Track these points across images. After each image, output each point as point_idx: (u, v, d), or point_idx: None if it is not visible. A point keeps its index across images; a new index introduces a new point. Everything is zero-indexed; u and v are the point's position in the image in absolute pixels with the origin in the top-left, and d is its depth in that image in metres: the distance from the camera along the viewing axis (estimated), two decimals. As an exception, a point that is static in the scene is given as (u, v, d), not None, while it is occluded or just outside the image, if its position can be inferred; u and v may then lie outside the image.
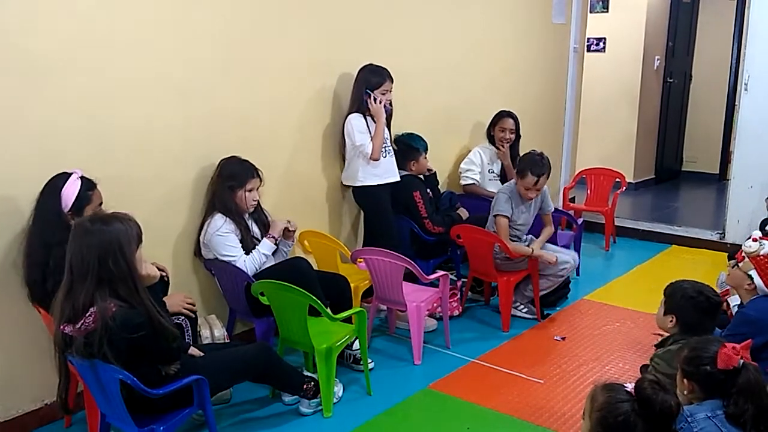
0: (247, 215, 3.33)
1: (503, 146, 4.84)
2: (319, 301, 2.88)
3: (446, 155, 4.94)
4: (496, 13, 5.18)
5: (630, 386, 1.81)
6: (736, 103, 5.32)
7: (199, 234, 3.30)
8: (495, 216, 3.91)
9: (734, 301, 3.04)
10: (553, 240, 4.26)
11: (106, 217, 2.25)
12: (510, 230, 3.93)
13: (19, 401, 2.83)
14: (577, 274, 4.78)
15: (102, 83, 2.90)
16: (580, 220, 4.94)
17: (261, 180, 3.31)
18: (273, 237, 3.33)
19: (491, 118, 4.91)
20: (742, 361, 1.98)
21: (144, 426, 2.31)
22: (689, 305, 2.56)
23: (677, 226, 5.85)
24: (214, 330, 3.18)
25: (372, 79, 3.83)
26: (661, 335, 2.83)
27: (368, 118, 3.87)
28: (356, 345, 3.34)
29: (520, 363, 3.46)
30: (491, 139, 4.91)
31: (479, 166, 4.84)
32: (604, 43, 7.52)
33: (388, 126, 4.00)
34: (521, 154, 4.26)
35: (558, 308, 4.24)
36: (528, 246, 3.94)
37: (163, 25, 3.08)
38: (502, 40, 5.29)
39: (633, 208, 6.78)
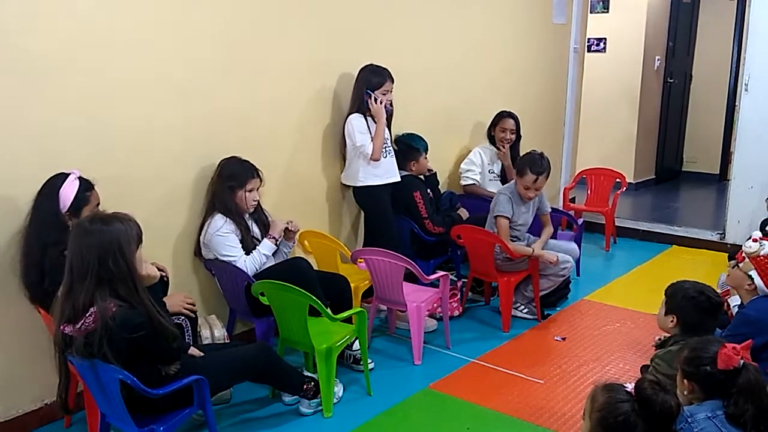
0: (247, 215, 3.33)
1: (503, 147, 4.84)
2: (319, 301, 2.88)
3: (446, 155, 4.94)
4: (496, 14, 5.18)
5: (630, 386, 1.81)
6: (736, 103, 5.32)
7: (199, 234, 3.29)
8: (496, 217, 3.91)
9: (734, 301, 3.04)
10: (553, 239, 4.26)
11: (106, 217, 2.25)
12: (510, 230, 3.93)
13: (19, 401, 2.83)
14: (578, 274, 4.78)
15: (102, 83, 2.90)
16: (580, 221, 4.94)
17: (261, 180, 3.30)
18: (273, 237, 3.33)
19: (492, 119, 4.91)
20: (742, 361, 1.97)
21: (144, 426, 2.30)
22: (690, 305, 2.56)
23: (677, 226, 5.84)
24: (214, 330, 3.18)
25: (373, 80, 3.83)
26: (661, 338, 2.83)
27: (369, 118, 3.87)
28: (356, 345, 3.33)
29: (520, 363, 3.46)
30: (491, 139, 4.91)
31: (479, 167, 4.84)
32: (605, 44, 7.52)
33: (389, 126, 4.00)
34: (521, 154, 4.26)
35: (558, 308, 4.24)
36: (528, 246, 3.94)
37: (163, 25, 3.08)
38: (503, 40, 5.29)
39: (633, 209, 6.78)
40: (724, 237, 5.45)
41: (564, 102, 6.12)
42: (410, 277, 3.51)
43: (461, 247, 4.26)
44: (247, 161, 3.30)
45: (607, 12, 7.45)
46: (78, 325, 2.15)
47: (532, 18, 5.55)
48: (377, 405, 3.07)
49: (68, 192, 2.61)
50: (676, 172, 8.44)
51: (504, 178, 4.86)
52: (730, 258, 3.34)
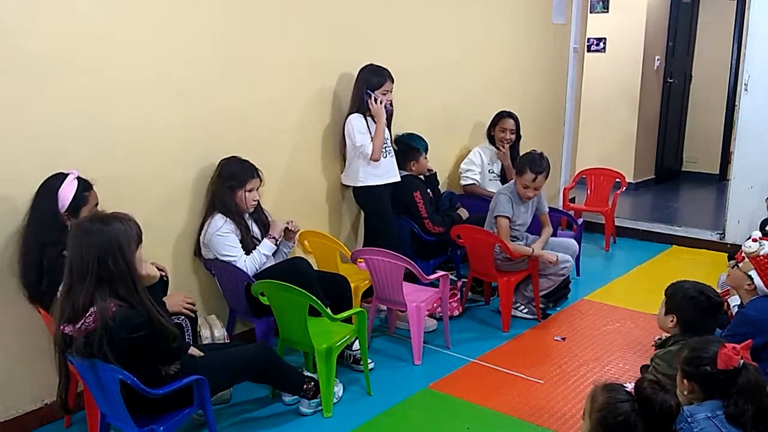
0: (247, 215, 3.33)
1: (503, 146, 4.84)
2: (319, 301, 2.88)
3: (446, 155, 4.94)
4: (496, 13, 5.18)
5: (630, 386, 1.81)
6: (736, 103, 5.32)
7: (199, 234, 3.29)
8: (496, 217, 3.91)
9: (734, 301, 3.04)
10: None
11: (105, 217, 2.25)
12: (510, 230, 3.93)
13: (19, 401, 2.83)
14: (578, 274, 4.78)
15: (102, 83, 2.89)
16: (580, 221, 4.94)
17: (261, 180, 3.30)
18: (273, 237, 3.33)
19: (491, 119, 4.91)
20: (742, 361, 1.98)
21: (144, 426, 2.30)
22: (690, 305, 2.56)
23: (677, 226, 5.84)
24: (214, 330, 3.18)
25: (373, 80, 3.83)
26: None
27: (368, 118, 3.86)
28: (356, 345, 3.33)
29: (520, 363, 3.46)
30: (491, 139, 4.91)
31: (479, 167, 4.84)
32: (605, 44, 7.52)
33: (389, 126, 4.00)
34: (521, 154, 4.26)
35: (558, 308, 4.24)
36: (528, 246, 3.94)
37: (163, 25, 3.08)
38: (502, 40, 5.29)
39: (633, 209, 6.78)
40: (723, 237, 5.45)
41: (564, 102, 6.12)
42: (410, 277, 3.51)
43: (461, 247, 4.26)
44: (247, 161, 3.30)
45: (607, 12, 7.45)
46: (78, 325, 2.15)
47: (532, 18, 5.55)
48: (377, 405, 3.07)
49: (67, 192, 2.61)
50: (675, 172, 8.44)
51: (504, 178, 4.86)
52: (730, 258, 3.34)
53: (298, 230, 3.53)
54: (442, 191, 4.58)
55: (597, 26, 7.24)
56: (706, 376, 2.02)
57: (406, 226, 4.17)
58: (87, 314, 2.14)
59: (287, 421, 2.94)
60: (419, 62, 4.51)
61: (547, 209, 4.17)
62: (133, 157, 3.05)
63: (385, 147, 3.90)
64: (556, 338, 3.80)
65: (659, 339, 2.81)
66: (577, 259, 4.64)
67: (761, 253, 2.74)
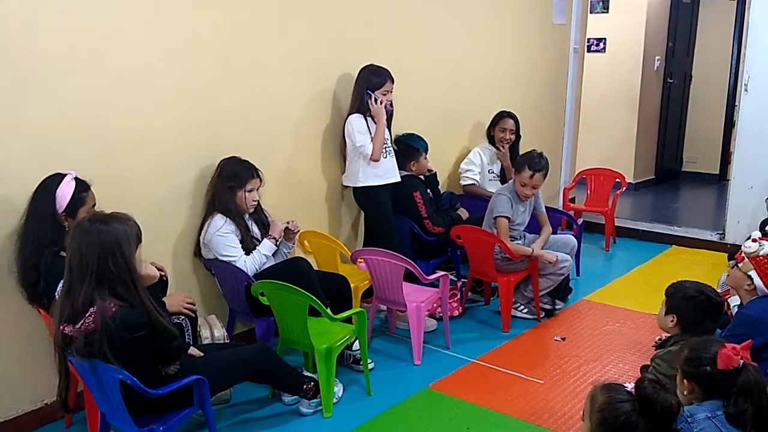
0: (247, 215, 3.33)
1: (503, 147, 4.84)
2: (319, 301, 2.88)
3: (446, 155, 4.94)
4: (496, 14, 5.18)
5: (630, 386, 1.81)
6: (736, 103, 5.32)
7: (199, 234, 3.29)
8: (496, 217, 3.91)
9: (734, 301, 3.04)
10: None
11: (105, 217, 2.25)
12: (509, 230, 3.93)
13: (19, 401, 2.83)
14: (578, 274, 4.78)
15: (102, 83, 2.89)
16: (580, 221, 4.94)
17: (261, 180, 3.30)
18: (273, 237, 3.33)
19: (491, 119, 4.91)
20: (742, 361, 1.97)
21: (144, 426, 2.30)
22: (690, 305, 2.56)
23: (677, 226, 5.85)
24: (214, 330, 3.18)
25: (373, 80, 3.83)
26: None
27: (368, 118, 3.86)
28: (356, 345, 3.33)
29: (520, 363, 3.46)
30: (491, 139, 4.91)
31: (479, 167, 4.84)
32: (604, 44, 7.52)
33: (389, 126, 4.00)
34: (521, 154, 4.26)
35: (566, 304, 4.24)
36: (528, 246, 3.94)
37: (163, 26, 3.08)
38: (503, 40, 5.29)
39: (633, 209, 6.78)
40: (723, 237, 5.45)
41: (564, 102, 6.12)
42: (410, 277, 3.51)
43: (461, 247, 4.26)
44: (247, 161, 3.30)
45: (607, 12, 7.45)
46: (78, 325, 2.15)
47: (532, 18, 5.55)
48: (377, 405, 3.07)
49: (65, 193, 2.61)
50: (675, 172, 8.44)
51: (503, 178, 4.86)
52: (730, 258, 3.34)
53: (298, 230, 3.53)
54: (442, 191, 4.58)
55: (597, 26, 7.24)
56: (706, 376, 2.02)
57: (406, 226, 4.17)
58: (87, 314, 2.14)
59: (287, 421, 2.94)
60: (419, 62, 4.51)
61: (543, 210, 4.17)
62: (132, 157, 3.04)
63: (385, 147, 3.90)
64: (555, 338, 3.80)
65: (659, 339, 2.81)
66: (577, 259, 4.65)
67: (761, 253, 2.74)
